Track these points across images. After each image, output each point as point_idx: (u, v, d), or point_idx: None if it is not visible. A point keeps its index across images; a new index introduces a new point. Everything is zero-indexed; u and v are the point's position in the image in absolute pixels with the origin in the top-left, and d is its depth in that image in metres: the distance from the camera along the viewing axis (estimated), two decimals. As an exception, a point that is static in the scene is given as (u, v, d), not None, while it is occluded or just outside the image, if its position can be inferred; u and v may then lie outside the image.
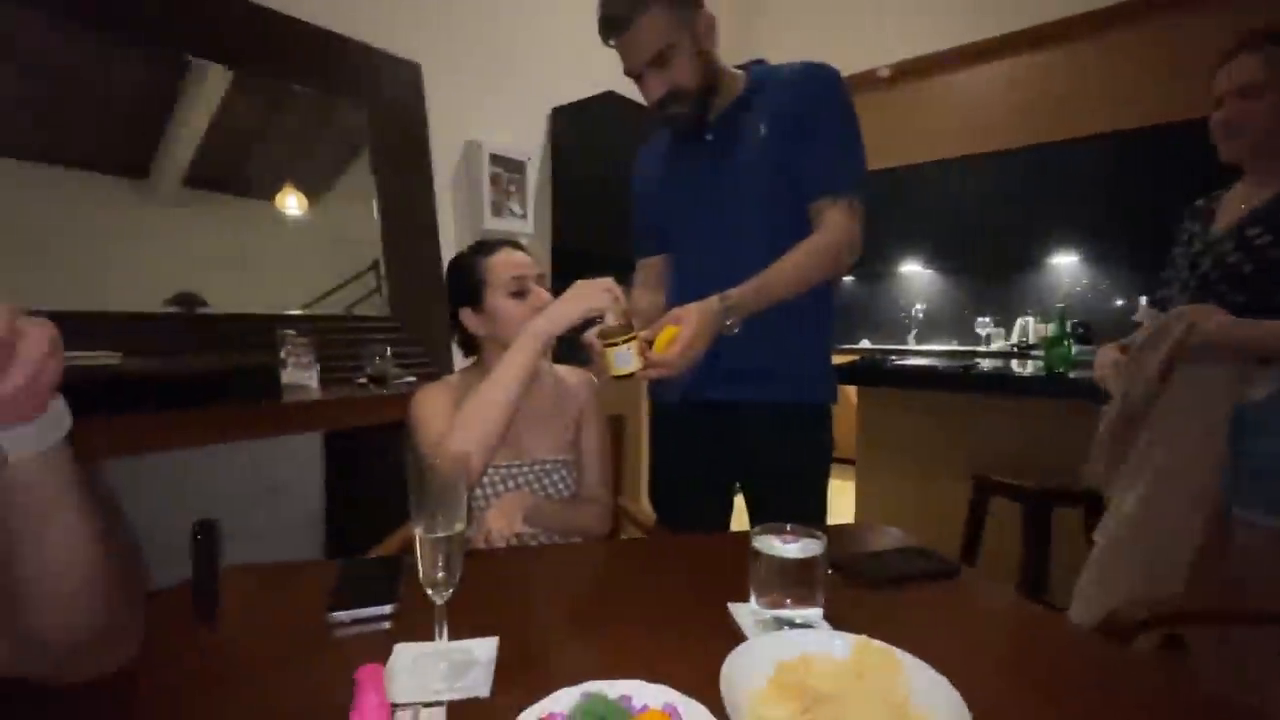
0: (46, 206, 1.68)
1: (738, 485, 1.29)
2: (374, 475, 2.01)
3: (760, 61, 1.22)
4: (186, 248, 1.93)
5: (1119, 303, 3.68)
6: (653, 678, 0.51)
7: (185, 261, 1.91)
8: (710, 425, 1.23)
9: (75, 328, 1.56)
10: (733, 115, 1.17)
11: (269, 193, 2.13)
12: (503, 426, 0.95)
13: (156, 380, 1.47)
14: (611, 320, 0.94)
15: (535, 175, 2.99)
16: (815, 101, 1.12)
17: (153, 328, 1.74)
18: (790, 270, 1.06)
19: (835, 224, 1.10)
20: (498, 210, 2.80)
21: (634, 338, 0.93)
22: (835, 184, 1.12)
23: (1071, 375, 1.91)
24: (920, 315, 4.50)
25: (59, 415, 0.48)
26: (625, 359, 0.92)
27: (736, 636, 0.64)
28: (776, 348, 1.15)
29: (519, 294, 1.08)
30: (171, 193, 1.91)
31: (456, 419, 0.94)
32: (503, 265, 1.09)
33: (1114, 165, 3.50)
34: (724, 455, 1.24)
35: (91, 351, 1.46)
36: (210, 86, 1.95)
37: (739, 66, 1.22)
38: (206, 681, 0.59)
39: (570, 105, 3.05)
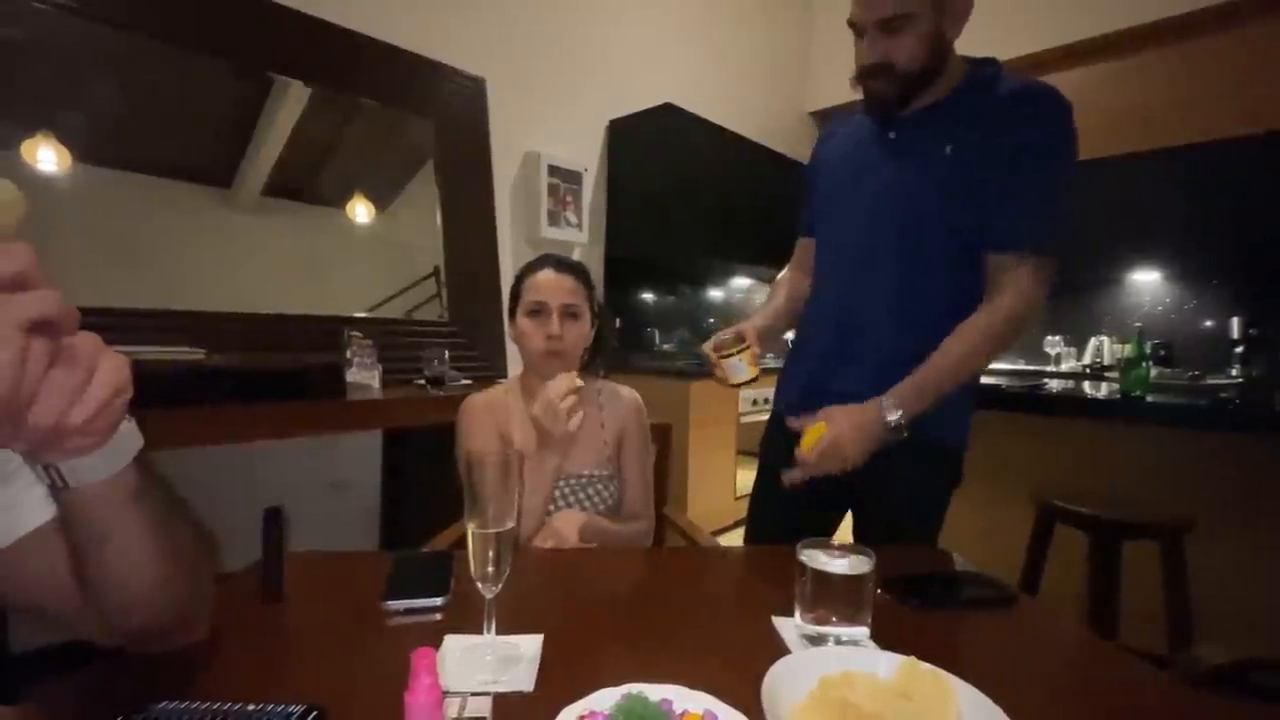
0: (141, 213, 1.83)
1: (847, 509, 1.21)
2: (429, 473, 2.08)
3: (991, 62, 1.05)
4: (264, 252, 2.06)
5: (1207, 324, 3.43)
6: (694, 684, 0.52)
7: (262, 265, 2.04)
8: None
9: (164, 325, 1.70)
10: (927, 119, 1.04)
11: (340, 202, 2.25)
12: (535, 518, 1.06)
13: (234, 376, 1.57)
14: (727, 334, 0.99)
15: (591, 185, 3.05)
16: (1029, 134, 0.96)
17: (232, 326, 1.86)
18: (959, 357, 0.97)
19: (1018, 290, 0.97)
20: (554, 220, 2.86)
21: (747, 348, 0.95)
22: (1028, 237, 0.97)
23: (1150, 399, 1.80)
24: (983, 332, 4.32)
25: (125, 439, 0.46)
26: (739, 369, 0.97)
27: (779, 650, 0.63)
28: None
29: (535, 314, 1.11)
30: (251, 201, 2.04)
31: None
32: (532, 286, 1.12)
33: (1201, 179, 3.28)
34: (834, 481, 1.12)
35: (178, 347, 1.58)
36: (290, 102, 2.09)
37: (968, 59, 1.06)
38: (272, 654, 0.63)
39: (627, 117, 3.10)
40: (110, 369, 0.40)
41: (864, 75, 1.03)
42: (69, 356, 0.37)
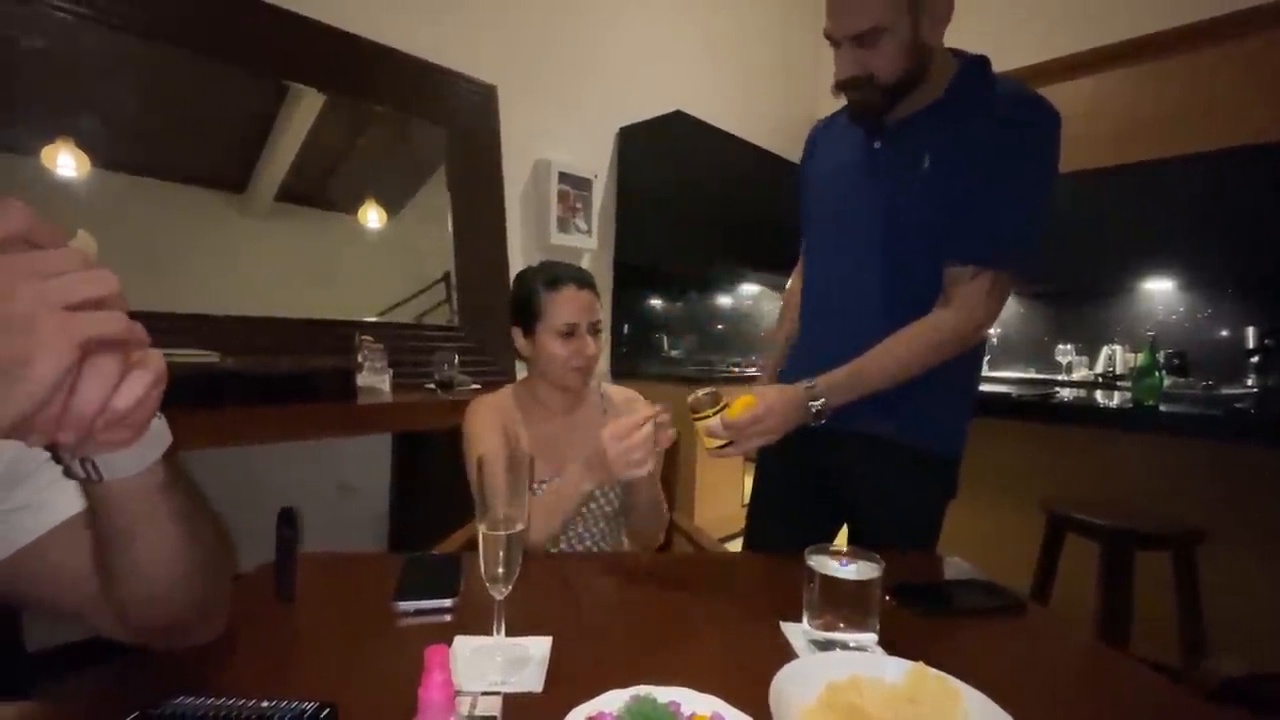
0: (157, 217, 1.85)
1: (844, 520, 1.20)
2: (439, 476, 2.09)
3: (983, 61, 1.02)
4: (276, 257, 2.08)
5: (1223, 333, 3.39)
6: (701, 687, 0.52)
7: (275, 270, 2.06)
8: (819, 453, 1.14)
9: (178, 328, 1.72)
10: (912, 128, 1.03)
11: (352, 207, 2.27)
12: (552, 536, 0.99)
13: (246, 379, 1.58)
14: (702, 393, 0.95)
15: (601, 192, 3.07)
16: (1012, 143, 0.94)
17: (245, 330, 1.88)
18: (898, 355, 0.97)
19: (970, 302, 0.97)
20: (564, 226, 2.88)
21: (723, 407, 0.93)
22: (989, 250, 0.96)
23: (1163, 409, 1.78)
24: (994, 340, 4.29)
25: (157, 434, 0.47)
26: (716, 430, 0.93)
27: (787, 654, 0.63)
28: (912, 383, 1.01)
29: (567, 335, 1.11)
30: (265, 207, 2.07)
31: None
32: (559, 309, 1.10)
33: (1215, 187, 3.25)
34: (830, 488, 1.16)
35: (191, 350, 1.60)
36: (304, 109, 2.12)
37: (956, 54, 1.03)
38: (286, 653, 0.64)
39: (637, 125, 3.12)
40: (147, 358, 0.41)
41: (842, 88, 1.02)
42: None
